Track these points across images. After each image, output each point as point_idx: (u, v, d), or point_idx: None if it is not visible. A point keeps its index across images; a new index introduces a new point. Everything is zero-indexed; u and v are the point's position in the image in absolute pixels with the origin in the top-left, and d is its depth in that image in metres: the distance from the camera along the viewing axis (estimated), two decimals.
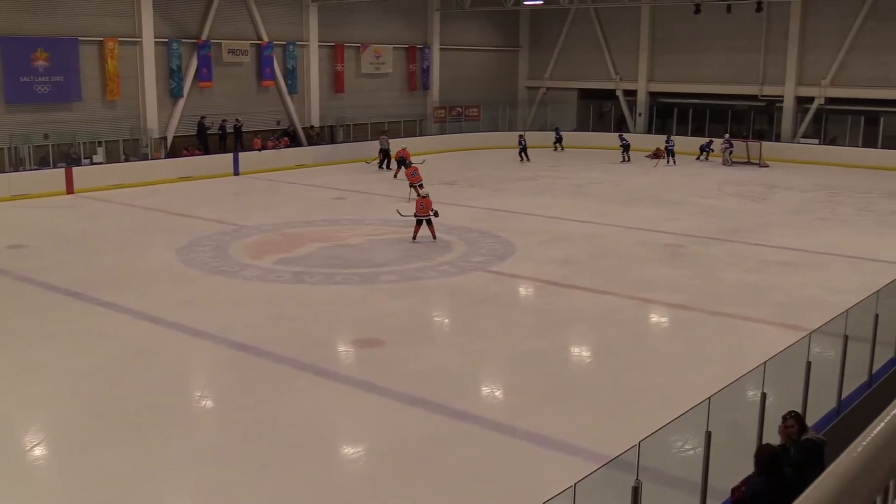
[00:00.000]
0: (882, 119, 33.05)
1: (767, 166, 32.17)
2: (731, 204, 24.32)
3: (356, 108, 35.03)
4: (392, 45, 36.55)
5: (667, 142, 33.81)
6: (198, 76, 29.70)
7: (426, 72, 38.16)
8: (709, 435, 6.57)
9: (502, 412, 10.04)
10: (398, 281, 15.67)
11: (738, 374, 8.21)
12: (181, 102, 29.30)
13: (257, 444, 9.04)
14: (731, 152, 33.06)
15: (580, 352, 12.85)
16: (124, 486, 8.16)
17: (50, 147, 25.92)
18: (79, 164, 26.02)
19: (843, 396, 8.80)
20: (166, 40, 28.67)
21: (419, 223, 18.69)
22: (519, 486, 8.22)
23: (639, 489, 5.69)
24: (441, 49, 38.62)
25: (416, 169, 24.50)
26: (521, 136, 34.66)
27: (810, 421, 7.33)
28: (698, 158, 33.98)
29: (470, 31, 39.82)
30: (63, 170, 25.11)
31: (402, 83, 37.47)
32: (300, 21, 33.02)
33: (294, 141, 32.55)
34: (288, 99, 32.67)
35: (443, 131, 38.08)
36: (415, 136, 36.15)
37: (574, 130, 39.62)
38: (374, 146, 32.34)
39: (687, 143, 35.20)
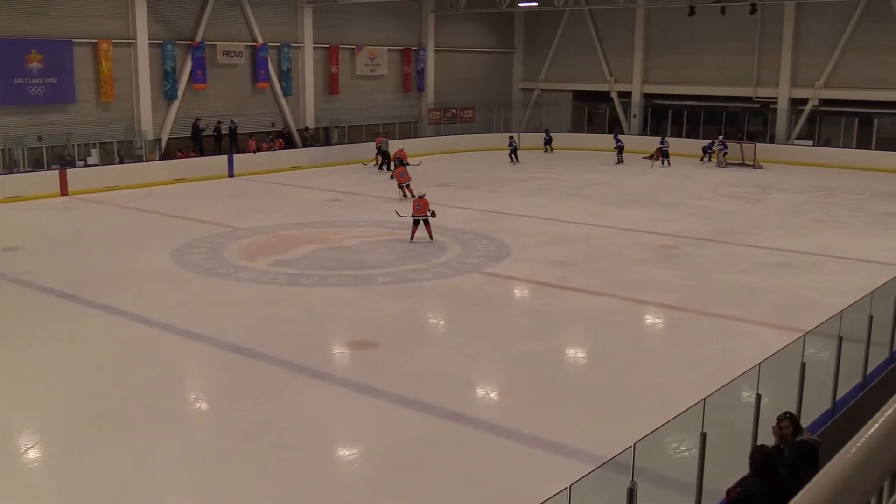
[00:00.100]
0: (876, 120, 33.16)
1: (762, 168, 32.24)
2: (725, 205, 24.36)
3: (351, 110, 35.01)
4: (387, 47, 36.55)
5: (661, 143, 33.88)
6: (192, 78, 29.66)
7: (421, 73, 38.16)
8: (704, 436, 6.57)
9: (497, 414, 10.04)
10: (393, 283, 15.66)
11: (732, 375, 8.22)
12: (175, 104, 29.25)
13: (253, 447, 9.02)
14: (725, 154, 33.13)
15: (575, 353, 12.85)
16: (120, 489, 8.14)
17: (44, 149, 25.87)
18: (73, 166, 25.97)
19: (838, 397, 8.81)
20: (160, 42, 28.62)
21: (416, 223, 18.78)
22: (514, 488, 8.22)
23: (634, 490, 5.69)
24: (436, 51, 38.63)
25: (405, 169, 24.99)
26: (511, 138, 34.71)
27: (805, 422, 7.34)
28: (702, 160, 33.81)
29: (465, 32, 39.84)
30: (57, 172, 25.06)
31: (396, 85, 37.47)
32: (295, 23, 32.99)
33: (289, 143, 32.53)
34: (283, 101, 32.64)
35: (438, 133, 38.09)
36: (410, 137, 36.16)
37: (569, 132, 39.72)
38: (369, 147, 32.36)
39: (681, 145, 35.30)
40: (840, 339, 8.81)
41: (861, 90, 33.10)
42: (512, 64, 42.58)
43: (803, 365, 8.08)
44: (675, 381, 10.78)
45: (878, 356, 9.97)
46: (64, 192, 24.84)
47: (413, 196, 23.70)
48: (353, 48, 35.14)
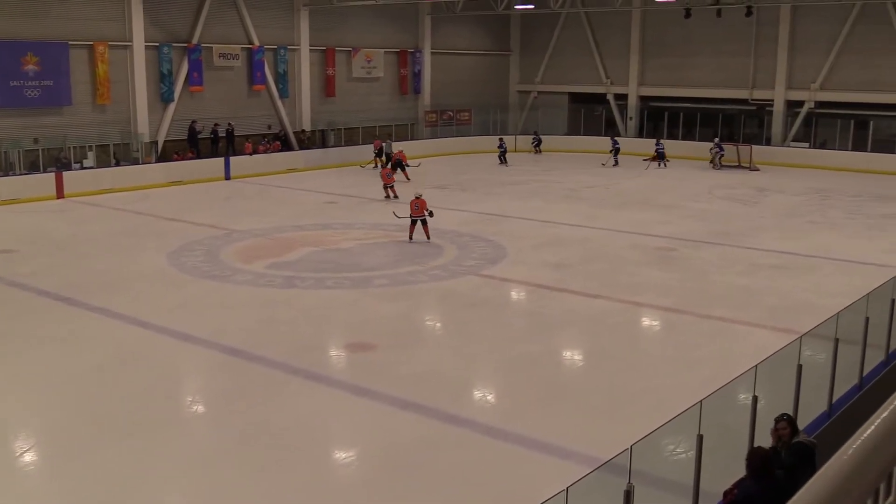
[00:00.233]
0: (871, 122, 33.24)
1: (758, 170, 32.28)
2: (721, 207, 24.39)
3: (347, 113, 35.01)
4: (383, 50, 36.56)
5: (657, 145, 33.94)
6: (188, 80, 29.64)
7: (417, 76, 38.17)
8: (700, 438, 6.58)
9: (494, 416, 10.04)
10: (390, 285, 15.66)
11: (729, 377, 8.23)
12: (172, 107, 29.22)
13: (250, 448, 9.02)
14: (721, 156, 33.16)
15: (572, 355, 12.86)
16: (118, 490, 8.13)
17: (40, 151, 25.83)
18: (69, 168, 25.93)
19: (834, 399, 8.82)
20: (157, 44, 28.59)
21: (413, 223, 18.88)
22: (511, 490, 8.22)
23: (631, 492, 5.69)
24: (432, 53, 38.65)
25: (391, 170, 25.61)
26: (500, 140, 34.71)
27: (801, 423, 7.35)
28: (711, 162, 33.61)
29: (461, 35, 39.86)
30: (53, 174, 25.02)
31: (393, 87, 37.47)
32: (291, 25, 32.99)
33: (285, 145, 32.52)
34: (279, 103, 32.63)
35: (434, 135, 38.10)
36: (406, 139, 36.16)
37: (565, 134, 39.75)
38: (366, 150, 32.35)
39: (677, 147, 35.35)
40: (836, 341, 8.83)
41: (857, 92, 33.17)
42: (508, 66, 42.60)
43: (800, 367, 8.09)
44: (672, 383, 10.79)
45: (875, 358, 9.98)
46: (60, 194, 24.80)
47: (396, 197, 24.04)
48: (350, 50, 35.14)
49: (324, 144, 33.96)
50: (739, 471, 6.15)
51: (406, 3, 34.41)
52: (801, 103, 34.90)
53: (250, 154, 30.27)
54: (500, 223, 21.42)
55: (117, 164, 27.29)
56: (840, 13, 33.11)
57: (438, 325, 14.39)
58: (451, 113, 39.02)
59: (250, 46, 31.36)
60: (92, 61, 26.99)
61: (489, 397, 11.01)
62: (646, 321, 14.30)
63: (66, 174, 25.25)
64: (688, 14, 31.56)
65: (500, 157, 33.87)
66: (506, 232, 20.23)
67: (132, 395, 10.42)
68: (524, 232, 20.37)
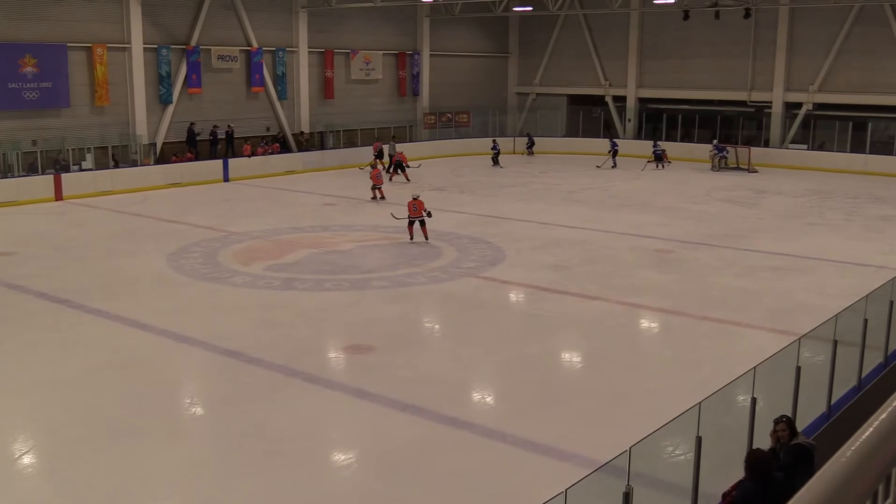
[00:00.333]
0: (870, 124, 33.26)
1: (756, 172, 32.30)
2: (720, 209, 24.40)
3: (346, 115, 35.03)
4: (382, 52, 36.58)
5: (654, 147, 34.01)
6: (187, 82, 29.64)
7: (416, 78, 38.19)
8: (699, 440, 6.58)
9: (493, 418, 10.03)
10: (388, 287, 15.65)
11: (728, 378, 8.22)
12: (170, 109, 29.23)
13: (248, 451, 9.01)
14: (721, 158, 33.18)
15: (570, 357, 12.86)
16: (115, 494, 8.12)
17: (38, 153, 25.83)
18: (68, 170, 25.91)
19: (833, 401, 8.82)
20: (155, 46, 28.60)
21: (411, 224, 18.98)
22: (510, 492, 8.21)
23: (630, 494, 5.69)
24: (431, 55, 38.67)
25: (380, 171, 25.75)
26: (494, 141, 34.67)
27: (800, 425, 7.34)
28: (720, 163, 33.54)
29: (459, 37, 39.88)
30: (52, 176, 25.01)
31: (391, 89, 37.49)
32: (290, 27, 33.00)
33: (284, 147, 32.54)
34: (278, 105, 32.64)
35: (433, 137, 38.11)
36: (405, 141, 36.16)
37: (564, 136, 39.77)
38: (365, 151, 32.35)
39: (676, 149, 35.39)
40: (835, 343, 8.83)
41: (855, 94, 33.23)
42: (507, 68, 42.63)
43: (798, 368, 8.09)
44: (671, 385, 10.79)
45: (873, 360, 9.99)
46: (59, 196, 24.79)
47: (383, 198, 24.18)
48: (348, 52, 35.16)
49: (322, 146, 33.96)
50: (738, 472, 6.14)
51: (404, 4, 34.43)
52: (799, 105, 34.95)
53: (249, 156, 30.27)
54: (499, 225, 21.42)
55: (116, 166, 27.27)
56: (838, 15, 33.16)
57: (437, 327, 14.39)
58: (449, 115, 39.04)
59: (249, 48, 31.37)
60: (90, 63, 26.99)
61: (488, 399, 11.01)
62: (644, 323, 14.30)
63: (64, 176, 25.24)
64: (686, 16, 31.61)
65: (493, 159, 33.86)
66: (505, 234, 20.23)
67: (130, 398, 10.41)
68: (523, 234, 20.37)
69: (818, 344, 9.38)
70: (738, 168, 32.92)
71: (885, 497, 2.18)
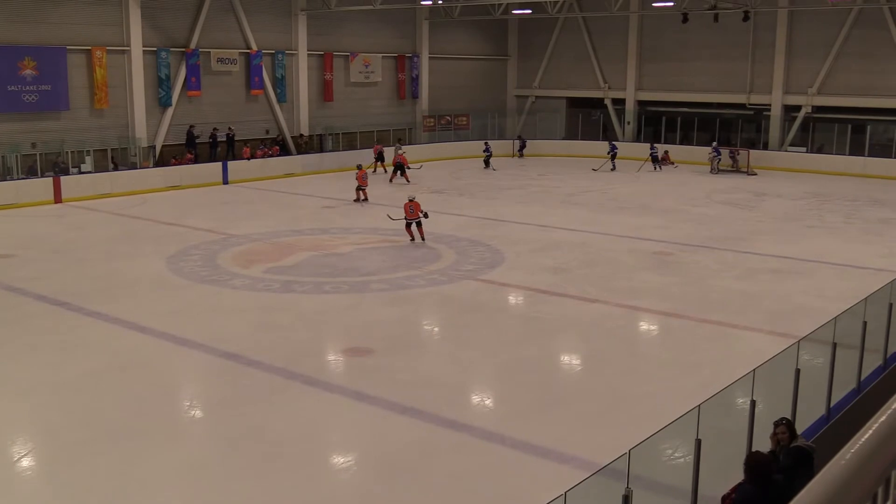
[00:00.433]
0: (868, 127, 33.27)
1: (755, 174, 32.32)
2: (719, 212, 24.41)
3: (345, 117, 35.05)
4: (381, 54, 36.59)
5: (651, 149, 34.07)
6: (186, 85, 29.64)
7: (415, 80, 38.21)
8: (699, 442, 6.57)
9: (492, 420, 10.03)
10: (388, 289, 15.65)
11: (727, 381, 8.22)
12: (170, 111, 29.24)
13: (247, 454, 9.00)
14: (719, 160, 33.23)
15: (570, 360, 12.85)
16: (113, 497, 8.12)
17: (38, 156, 25.82)
18: (67, 173, 25.91)
19: (832, 404, 8.82)
20: (155, 49, 28.61)
21: (408, 226, 19.14)
22: (509, 495, 8.21)
23: (629, 497, 5.69)
24: (430, 58, 38.69)
25: (367, 173, 25.88)
26: (486, 144, 34.63)
27: (800, 428, 7.34)
28: (732, 166, 33.43)
29: (459, 39, 39.91)
30: (51, 179, 25.02)
31: (391, 92, 37.51)
32: (289, 30, 33.02)
33: (283, 150, 32.55)
34: (277, 108, 32.66)
35: (432, 140, 38.13)
36: (404, 144, 36.16)
37: (563, 139, 39.79)
38: (364, 154, 32.34)
39: (675, 151, 35.45)
40: (834, 346, 8.83)
41: (854, 97, 33.25)
42: (506, 71, 42.65)
43: (797, 371, 8.09)
44: (670, 388, 10.78)
45: (873, 362, 9.99)
46: (58, 199, 24.79)
47: (366, 199, 24.37)
48: (348, 55, 35.18)
49: (322, 149, 33.97)
50: (738, 475, 6.14)
51: (404, 7, 34.45)
52: (798, 108, 34.97)
53: (248, 159, 30.28)
54: (498, 227, 21.43)
55: (115, 169, 27.27)
56: (837, 18, 33.19)
57: (436, 329, 14.38)
58: (448, 117, 39.06)
59: (248, 51, 31.39)
60: (90, 66, 27.00)
61: (487, 402, 11.00)
62: (644, 325, 14.29)
63: (63, 179, 25.24)
64: (685, 19, 31.61)
65: (485, 161, 33.80)
66: (504, 236, 20.24)
67: (129, 400, 10.40)
68: (522, 236, 20.37)
69: (817, 346, 9.38)
70: (737, 170, 32.92)
71: (885, 499, 2.18)
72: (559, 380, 11.75)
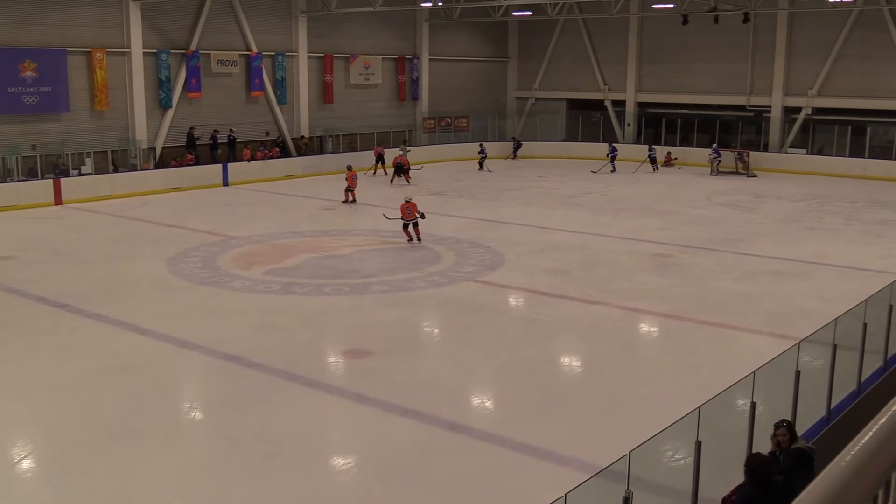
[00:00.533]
0: (868, 129, 33.28)
1: (755, 176, 32.33)
2: (720, 213, 24.41)
3: (345, 119, 35.05)
4: (381, 56, 36.60)
5: (649, 151, 34.10)
6: (187, 87, 29.65)
7: (415, 82, 38.21)
8: (699, 444, 6.57)
9: (492, 422, 10.02)
10: (388, 291, 15.65)
11: (727, 383, 8.22)
12: (170, 113, 29.24)
13: (247, 455, 9.00)
14: (719, 162, 33.24)
15: (570, 361, 12.85)
16: (114, 498, 8.12)
17: (38, 158, 25.82)
18: (67, 175, 25.92)
19: (833, 405, 8.82)
20: (155, 51, 28.62)
21: (406, 227, 19.19)
22: (509, 497, 8.20)
23: (629, 499, 5.68)
24: (430, 59, 38.70)
25: (356, 175, 25.87)
26: (481, 145, 34.53)
27: (800, 430, 7.34)
28: (742, 169, 33.39)
29: (459, 41, 39.92)
30: (51, 181, 25.01)
31: (391, 93, 37.52)
32: (289, 32, 33.03)
33: (283, 151, 32.56)
34: (277, 109, 32.66)
35: (432, 141, 38.13)
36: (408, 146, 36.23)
37: (563, 141, 39.79)
38: (364, 156, 32.36)
39: (676, 154, 35.47)
40: (834, 347, 8.83)
41: (854, 99, 33.25)
42: (506, 73, 42.66)
43: (798, 373, 8.09)
44: (670, 389, 10.78)
45: (873, 364, 9.99)
46: (58, 200, 24.79)
47: (354, 200, 24.51)
48: (348, 57, 35.19)
49: (322, 151, 33.98)
50: (738, 477, 6.14)
51: (404, 9, 34.45)
52: (798, 110, 34.98)
53: (248, 160, 30.28)
54: (498, 229, 21.42)
55: (115, 171, 27.26)
56: (837, 20, 33.20)
57: (437, 331, 14.38)
58: (448, 119, 39.06)
59: (248, 53, 31.39)
60: (90, 68, 27.01)
61: (487, 404, 11.00)
62: (644, 327, 14.29)
63: (63, 181, 25.24)
64: (685, 21, 31.61)
65: (479, 163, 33.74)
66: (504, 238, 20.23)
67: (129, 402, 10.40)
68: (522, 238, 20.37)
69: (818, 348, 9.38)
70: (737, 172, 32.94)
71: (886, 501, 2.18)
72: (559, 381, 11.74)
